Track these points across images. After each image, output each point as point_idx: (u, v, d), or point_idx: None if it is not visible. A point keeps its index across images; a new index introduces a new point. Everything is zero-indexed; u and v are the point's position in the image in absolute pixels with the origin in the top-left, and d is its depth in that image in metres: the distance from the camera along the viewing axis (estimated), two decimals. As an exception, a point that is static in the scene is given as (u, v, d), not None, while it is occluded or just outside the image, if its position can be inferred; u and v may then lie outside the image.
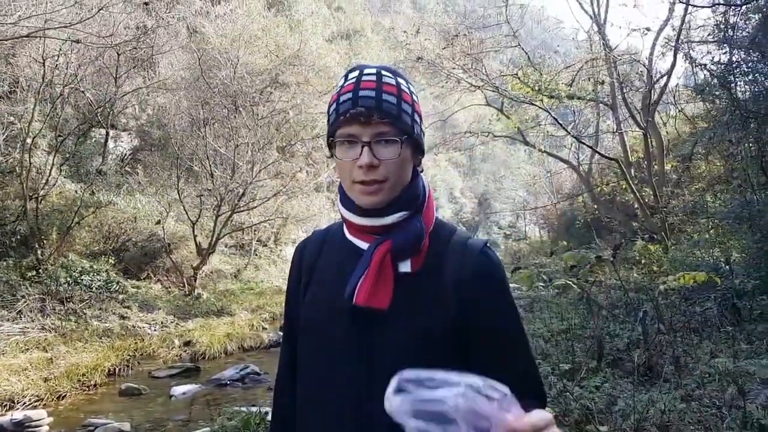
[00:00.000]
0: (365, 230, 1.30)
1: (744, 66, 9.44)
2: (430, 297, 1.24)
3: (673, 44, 13.91)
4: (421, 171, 1.38)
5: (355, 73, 1.29)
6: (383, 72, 1.28)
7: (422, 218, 1.30)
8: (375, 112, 1.21)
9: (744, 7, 9.55)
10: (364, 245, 1.29)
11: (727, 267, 7.76)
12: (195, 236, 15.19)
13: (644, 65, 15.85)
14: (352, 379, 1.22)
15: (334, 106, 1.27)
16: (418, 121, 1.30)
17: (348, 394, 1.22)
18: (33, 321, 10.11)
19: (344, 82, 1.29)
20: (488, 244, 1.33)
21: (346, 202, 1.32)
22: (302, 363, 1.34)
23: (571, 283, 7.65)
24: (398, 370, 1.19)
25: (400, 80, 1.29)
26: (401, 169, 1.26)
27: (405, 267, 1.25)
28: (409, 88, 1.30)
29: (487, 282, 1.26)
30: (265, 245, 22.41)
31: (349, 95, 1.24)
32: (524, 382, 1.22)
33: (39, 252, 11.68)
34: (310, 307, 1.34)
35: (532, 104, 16.72)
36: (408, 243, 1.25)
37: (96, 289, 12.02)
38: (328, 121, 1.29)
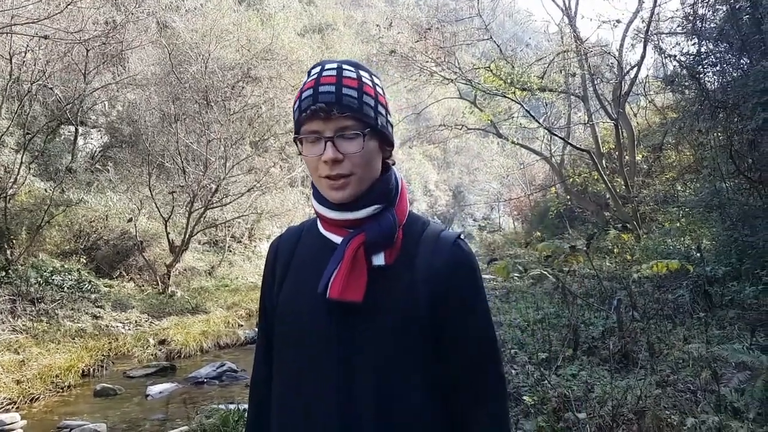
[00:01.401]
0: (338, 224, 1.31)
1: (712, 57, 9.57)
2: (403, 290, 1.25)
3: (642, 36, 14.05)
4: (393, 163, 1.38)
5: (317, 69, 1.29)
6: (344, 66, 1.28)
7: (395, 211, 1.30)
8: (335, 107, 1.21)
9: (711, -1, 9.69)
10: (338, 239, 1.30)
11: (699, 254, 7.88)
12: (168, 233, 15.03)
13: (615, 57, 16.01)
14: (331, 373, 1.23)
15: (297, 103, 1.27)
16: (383, 112, 1.30)
17: (328, 388, 1.22)
18: (3, 323, 9.91)
19: (307, 79, 1.29)
20: (461, 236, 1.34)
21: (319, 197, 1.32)
22: (279, 356, 1.34)
23: (546, 272, 7.72)
24: (375, 364, 1.20)
25: (362, 73, 1.29)
26: (367, 162, 1.26)
27: (379, 260, 1.25)
28: (372, 81, 1.30)
29: (458, 273, 1.28)
30: (239, 241, 22.25)
31: (310, 92, 1.24)
32: (493, 383, 1.30)
33: (8, 252, 11.46)
34: (286, 301, 1.34)
35: (505, 97, 16.84)
36: (381, 236, 1.25)
37: (68, 288, 11.83)
38: (294, 118, 1.30)
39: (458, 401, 1.26)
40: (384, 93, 1.34)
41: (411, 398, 1.22)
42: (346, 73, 1.26)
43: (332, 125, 1.22)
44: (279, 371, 1.34)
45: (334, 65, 1.28)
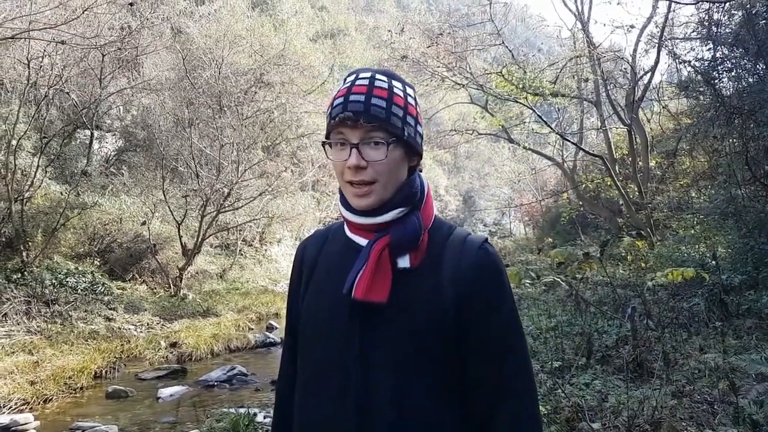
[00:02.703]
0: (364, 228, 1.32)
1: (728, 62, 9.52)
2: (428, 292, 1.25)
3: (656, 41, 13.98)
4: (420, 171, 1.40)
5: (351, 77, 1.31)
6: (377, 76, 1.30)
7: (421, 215, 1.32)
8: (363, 116, 1.23)
9: (727, 4, 9.62)
10: (363, 242, 1.31)
11: (714, 262, 7.81)
12: (180, 237, 15.11)
13: (628, 62, 15.92)
14: (350, 370, 1.24)
15: (329, 109, 1.30)
16: (412, 123, 1.31)
17: (347, 385, 1.23)
18: (18, 324, 10.00)
19: (341, 86, 1.31)
20: (488, 240, 1.35)
21: (345, 202, 1.34)
22: (302, 355, 1.36)
23: (559, 279, 7.69)
24: (394, 363, 1.20)
25: (394, 83, 1.30)
26: (391, 170, 1.28)
27: (404, 263, 1.26)
28: (404, 91, 1.32)
29: (484, 276, 1.28)
30: (251, 245, 22.36)
31: (342, 99, 1.26)
32: (515, 381, 1.26)
33: (24, 254, 11.57)
34: (311, 301, 1.36)
35: (517, 102, 16.77)
36: (406, 238, 1.27)
37: (81, 290, 11.91)
38: (326, 123, 1.32)
39: (480, 401, 1.25)
40: (416, 104, 1.35)
41: (429, 397, 1.22)
42: (377, 83, 1.28)
43: (359, 133, 1.24)
44: (301, 369, 1.35)
45: (368, 74, 1.30)
